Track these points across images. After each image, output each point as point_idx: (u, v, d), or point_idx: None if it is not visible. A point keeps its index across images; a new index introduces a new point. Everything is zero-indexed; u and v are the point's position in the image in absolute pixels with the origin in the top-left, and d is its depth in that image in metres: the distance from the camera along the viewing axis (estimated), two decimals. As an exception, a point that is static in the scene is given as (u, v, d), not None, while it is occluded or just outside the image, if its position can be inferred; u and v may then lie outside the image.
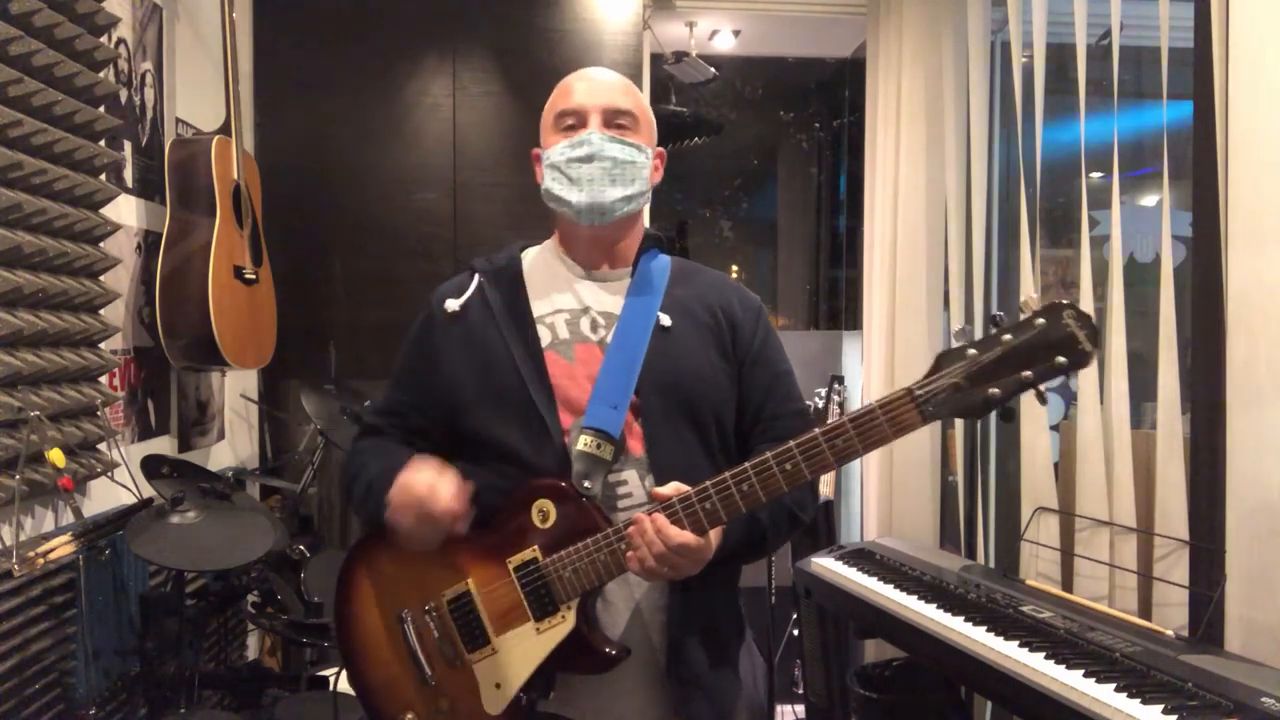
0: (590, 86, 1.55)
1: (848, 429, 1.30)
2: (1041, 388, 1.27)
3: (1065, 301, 1.24)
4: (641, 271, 1.58)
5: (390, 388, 1.64)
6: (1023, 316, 1.25)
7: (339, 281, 3.59)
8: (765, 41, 4.45)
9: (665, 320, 1.53)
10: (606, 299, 1.56)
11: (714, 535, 1.41)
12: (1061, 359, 1.23)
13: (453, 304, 1.57)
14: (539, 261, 1.62)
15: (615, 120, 1.53)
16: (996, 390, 1.25)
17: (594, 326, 1.54)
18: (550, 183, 1.53)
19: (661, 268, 1.60)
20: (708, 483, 1.35)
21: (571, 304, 1.56)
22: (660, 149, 1.62)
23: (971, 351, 1.26)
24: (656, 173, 1.60)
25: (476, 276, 1.60)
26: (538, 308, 1.56)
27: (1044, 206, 2.73)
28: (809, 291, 5.19)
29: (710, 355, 1.54)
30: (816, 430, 1.32)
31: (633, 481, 1.48)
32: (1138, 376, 2.44)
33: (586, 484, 1.43)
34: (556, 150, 1.52)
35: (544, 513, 1.44)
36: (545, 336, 1.53)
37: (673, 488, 1.37)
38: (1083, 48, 2.56)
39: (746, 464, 1.34)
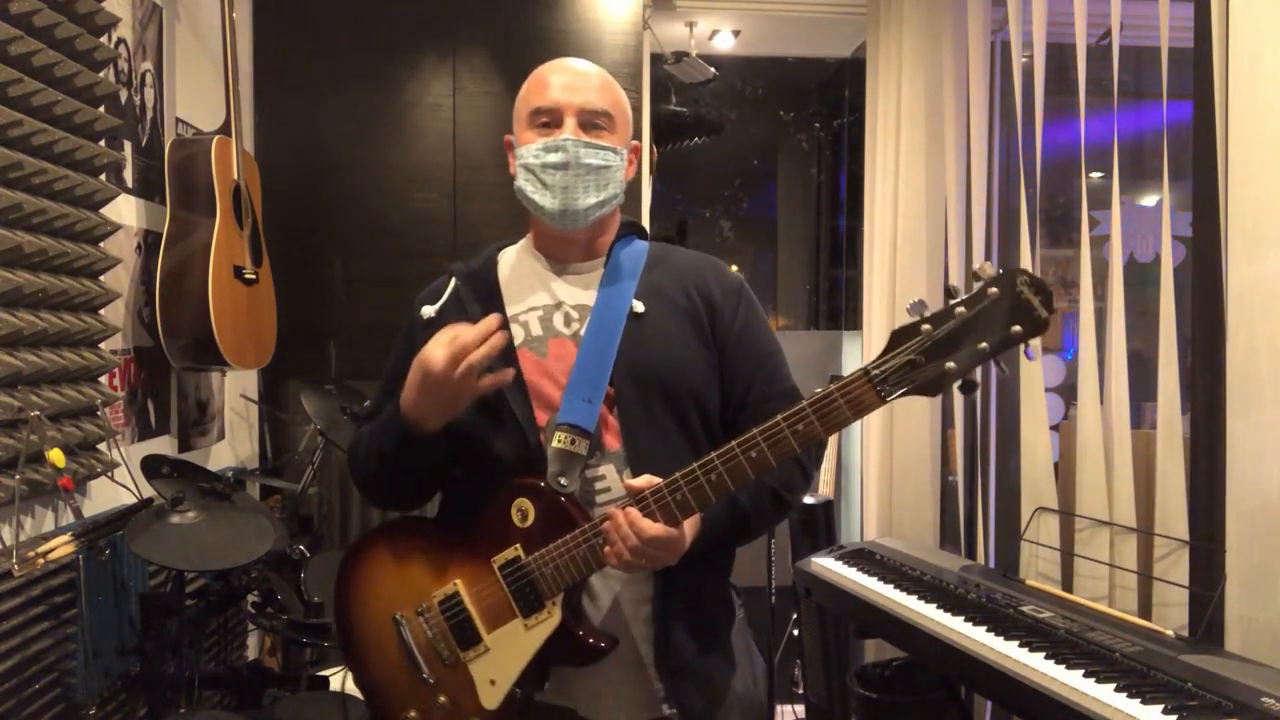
0: (567, 82, 1.51)
1: (808, 413, 1.29)
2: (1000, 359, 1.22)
3: (1019, 268, 1.20)
4: (614, 260, 1.56)
5: (378, 393, 1.64)
6: (976, 286, 1.21)
7: (339, 281, 3.59)
8: (765, 41, 4.45)
9: (639, 307, 1.50)
10: (580, 292, 1.55)
11: (691, 523, 1.40)
12: (1017, 327, 1.19)
13: (429, 310, 1.56)
14: (515, 261, 1.61)
15: (592, 121, 1.50)
16: (953, 364, 1.21)
17: (567, 321, 1.53)
18: (523, 182, 1.51)
19: (636, 254, 1.57)
20: (677, 474, 1.35)
21: (545, 300, 1.55)
22: (636, 143, 1.60)
23: (925, 326, 1.22)
24: (631, 167, 1.58)
25: (453, 280, 1.59)
26: (512, 307, 1.55)
27: (1044, 206, 2.73)
28: (809, 291, 5.19)
29: (688, 340, 1.51)
30: (779, 416, 1.30)
31: (610, 476, 1.47)
32: (1138, 376, 2.44)
33: (562, 481, 1.43)
34: (530, 151, 1.50)
35: (523, 511, 1.44)
36: (519, 335, 1.52)
37: (644, 479, 1.36)
38: (1083, 48, 2.56)
39: (713, 453, 1.33)
